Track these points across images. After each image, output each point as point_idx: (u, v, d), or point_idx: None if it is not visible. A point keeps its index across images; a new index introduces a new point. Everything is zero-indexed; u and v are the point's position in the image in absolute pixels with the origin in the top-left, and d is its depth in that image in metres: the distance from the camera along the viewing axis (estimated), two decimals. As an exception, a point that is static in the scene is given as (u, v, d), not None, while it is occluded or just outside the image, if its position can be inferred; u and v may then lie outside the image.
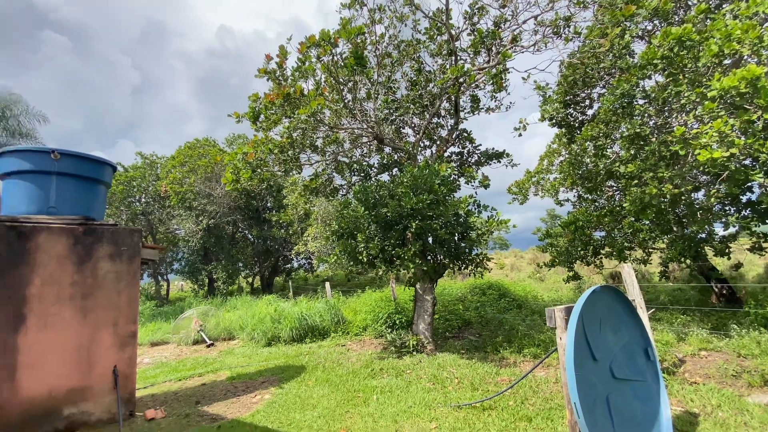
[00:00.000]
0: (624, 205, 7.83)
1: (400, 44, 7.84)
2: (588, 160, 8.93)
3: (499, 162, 9.20)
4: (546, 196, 12.31)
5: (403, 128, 9.19)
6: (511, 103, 9.03)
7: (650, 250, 8.89)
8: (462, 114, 8.72)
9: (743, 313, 7.13)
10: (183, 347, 10.71)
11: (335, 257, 7.06)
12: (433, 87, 8.36)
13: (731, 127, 4.85)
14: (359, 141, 8.67)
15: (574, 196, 11.33)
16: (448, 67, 7.78)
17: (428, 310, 7.42)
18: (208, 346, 10.32)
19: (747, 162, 6.39)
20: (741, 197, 7.95)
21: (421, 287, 7.47)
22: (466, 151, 9.25)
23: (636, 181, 7.05)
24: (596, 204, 10.23)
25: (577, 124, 10.26)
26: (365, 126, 7.76)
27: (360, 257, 6.92)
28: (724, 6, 6.69)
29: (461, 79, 7.30)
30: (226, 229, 20.20)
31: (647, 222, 7.97)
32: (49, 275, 4.76)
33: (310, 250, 16.50)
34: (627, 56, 7.50)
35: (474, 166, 9.01)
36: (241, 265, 20.80)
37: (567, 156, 10.18)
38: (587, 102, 9.88)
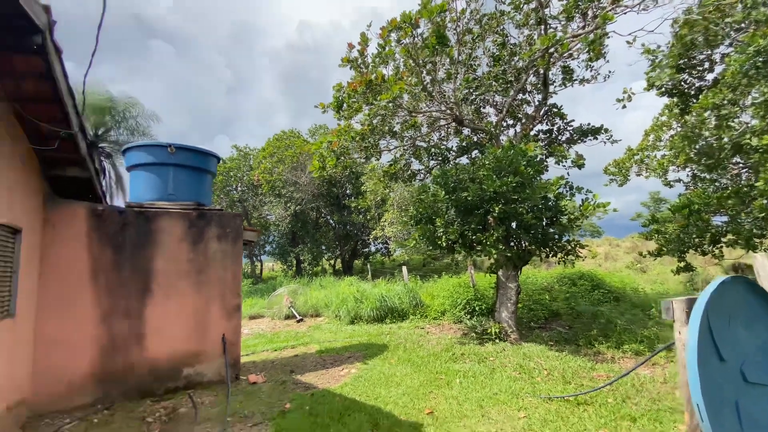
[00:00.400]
0: (756, 184, 6.60)
1: (481, 18, 7.43)
2: (707, 132, 7.66)
3: (596, 139, 8.33)
4: (652, 176, 10.89)
5: (484, 108, 8.78)
6: (609, 72, 8.07)
7: (791, 237, 7.41)
8: (551, 88, 8.04)
9: None
10: (276, 321, 11.79)
11: (414, 242, 7.10)
12: (518, 61, 7.81)
13: None
14: (437, 124, 8.50)
15: (688, 175, 9.84)
16: (536, 37, 7.19)
17: (511, 298, 7.13)
18: (298, 321, 11.21)
19: None
20: None
21: (503, 274, 7.19)
22: (555, 129, 8.54)
23: (773, 155, 5.87)
24: (717, 184, 8.79)
25: (693, 92, 8.82)
26: (444, 108, 7.56)
27: (439, 242, 6.87)
28: None
29: (552, 49, 6.69)
30: (310, 214, 21.54)
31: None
32: (170, 253, 5.53)
33: (386, 234, 16.86)
34: (762, 5, 6.18)
35: (565, 145, 8.29)
36: (324, 248, 22.09)
37: (679, 129, 8.86)
38: (707, 65, 8.42)
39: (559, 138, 8.46)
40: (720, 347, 2.63)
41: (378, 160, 8.26)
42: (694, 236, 7.81)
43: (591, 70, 7.92)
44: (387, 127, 7.79)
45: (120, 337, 5.10)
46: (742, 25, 6.50)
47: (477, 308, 8.58)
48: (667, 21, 7.23)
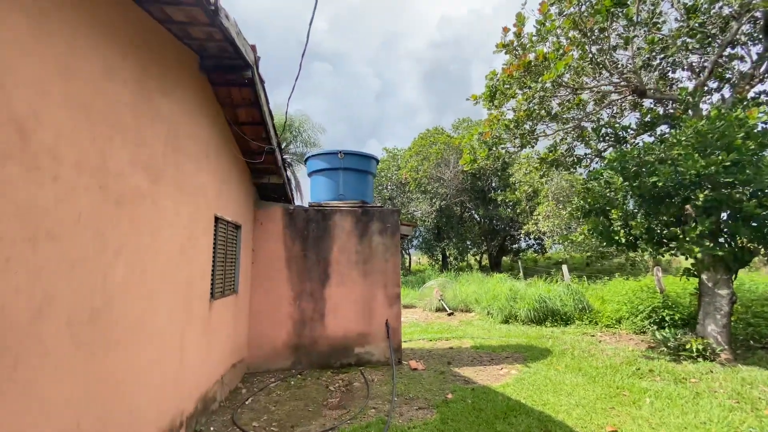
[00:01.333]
0: None
1: (670, -38, 6.03)
2: None
3: None
4: None
5: (673, 72, 7.11)
6: None
7: None
8: (782, 34, 5.99)
9: None
10: (427, 312, 12.20)
11: (582, 236, 6.30)
12: (723, 6, 6.10)
13: None
14: (607, 99, 7.30)
15: None
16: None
17: (722, 308, 5.63)
18: (449, 315, 11.35)
19: None
20: None
21: (710, 278, 5.73)
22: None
23: None
24: None
25: None
26: (617, 79, 6.44)
27: (616, 237, 5.92)
28: None
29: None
30: (454, 209, 21.55)
31: None
32: (342, 245, 6.28)
33: (541, 229, 15.52)
34: None
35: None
36: (469, 243, 21.81)
37: None
38: None
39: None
40: None
41: (533, 147, 7.61)
42: None
43: None
44: (545, 110, 7.11)
45: (307, 314, 6.07)
46: None
47: (668, 318, 7.09)
48: None
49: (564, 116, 7.32)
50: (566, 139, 7.60)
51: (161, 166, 3.04)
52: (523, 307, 9.22)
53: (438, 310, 12.21)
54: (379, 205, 6.63)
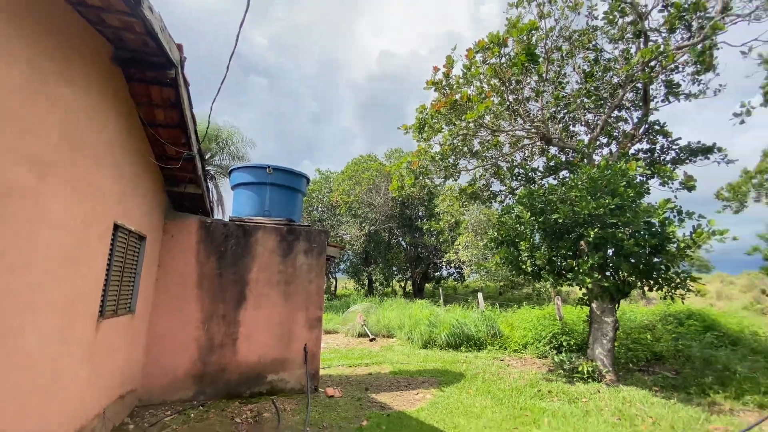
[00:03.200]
0: None
1: (571, 35, 7.11)
2: None
3: (707, 158, 7.33)
4: (780, 201, 9.30)
5: (573, 126, 8.26)
6: (720, 85, 7.14)
7: None
8: (652, 104, 7.32)
9: None
10: (350, 338, 11.98)
11: (495, 264, 6.79)
12: (612, 76, 7.29)
13: None
14: (520, 143, 8.18)
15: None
16: (634, 51, 6.67)
17: (608, 334, 6.40)
18: (371, 340, 11.27)
19: None
20: None
21: (598, 307, 6.51)
22: (658, 147, 7.69)
23: None
24: None
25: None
26: (529, 126, 7.27)
27: (523, 266, 6.48)
28: None
29: (653, 62, 6.13)
30: (383, 235, 21.92)
31: None
32: (263, 264, 5.97)
33: (460, 258, 16.41)
34: None
35: (670, 165, 7.42)
36: (395, 269, 22.20)
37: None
38: None
39: (663, 157, 7.58)
40: None
41: (456, 180, 8.16)
42: None
43: (698, 84, 7.08)
44: (467, 147, 7.71)
45: (217, 339, 5.57)
46: None
47: (565, 343, 7.84)
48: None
49: (484, 155, 8.00)
50: (485, 175, 8.29)
51: (52, 161, 2.65)
52: (442, 333, 9.52)
53: (361, 335, 12.07)
54: (306, 224, 6.48)
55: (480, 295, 12.53)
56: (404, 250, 22.49)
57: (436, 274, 22.89)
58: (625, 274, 6.36)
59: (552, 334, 8.15)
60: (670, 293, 6.48)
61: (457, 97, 6.28)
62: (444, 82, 6.66)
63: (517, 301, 14.93)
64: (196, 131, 4.82)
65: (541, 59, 6.53)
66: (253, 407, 5.25)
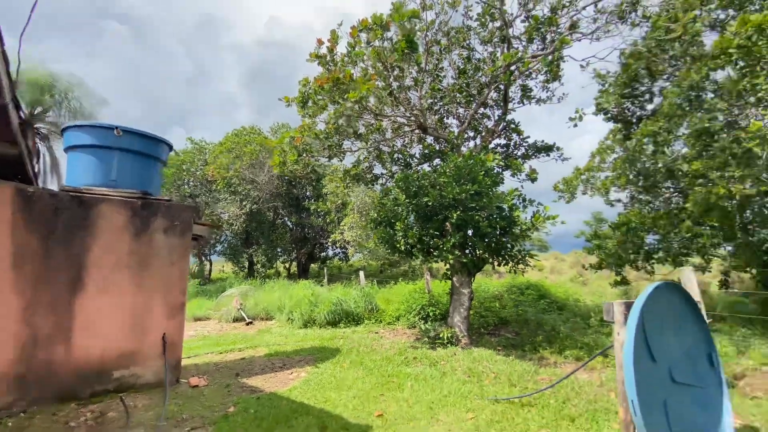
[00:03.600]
0: (685, 206, 7.29)
1: (449, 31, 7.67)
2: (645, 157, 8.37)
3: (548, 155, 8.83)
4: (596, 195, 11.68)
5: (447, 118, 9.02)
6: (564, 94, 8.62)
7: (710, 257, 8.24)
8: (511, 105, 8.43)
9: (819, 331, 6.46)
10: (224, 324, 11.23)
11: (373, 244, 7.09)
12: (481, 76, 8.12)
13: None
14: (401, 130, 8.61)
15: (627, 196, 10.68)
16: (499, 54, 7.53)
17: (464, 303, 7.30)
18: (248, 324, 10.75)
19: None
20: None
21: (458, 280, 7.35)
22: (512, 143, 8.95)
23: (701, 181, 6.52)
24: (651, 205, 9.60)
25: (634, 120, 9.65)
26: (409, 114, 7.68)
27: (398, 245, 6.91)
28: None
29: (513, 67, 7.04)
30: (267, 215, 20.89)
31: (709, 227, 7.39)
32: (109, 244, 5.08)
33: (346, 239, 16.72)
34: (698, 45, 6.91)
35: (521, 159, 8.70)
36: (279, 250, 21.47)
37: (622, 153, 9.62)
38: (647, 96, 9.24)
39: (515, 152, 8.87)
40: (652, 349, 2.83)
41: (341, 161, 8.20)
42: (630, 252, 8.46)
43: (547, 91, 8.41)
44: (352, 129, 7.77)
45: (44, 332, 4.59)
46: (679, 62, 7.21)
47: (431, 314, 8.69)
48: (616, 51, 7.86)
49: (368, 137, 8.18)
50: (368, 158, 8.52)
51: None
52: (322, 311, 9.62)
53: (237, 320, 11.42)
54: (167, 198, 5.72)
55: (362, 274, 13.00)
56: (290, 231, 21.89)
57: (322, 254, 22.92)
58: (480, 252, 7.31)
59: (421, 306, 8.94)
60: (514, 268, 7.70)
61: (341, 75, 6.23)
62: (328, 57, 6.52)
63: (395, 278, 15.96)
64: (9, 74, 3.76)
65: (421, 49, 6.90)
66: (94, 408, 4.53)
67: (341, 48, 6.47)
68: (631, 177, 8.66)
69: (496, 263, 7.65)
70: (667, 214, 8.00)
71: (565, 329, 7.66)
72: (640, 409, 2.42)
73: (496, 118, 8.60)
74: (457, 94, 8.15)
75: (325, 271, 17.44)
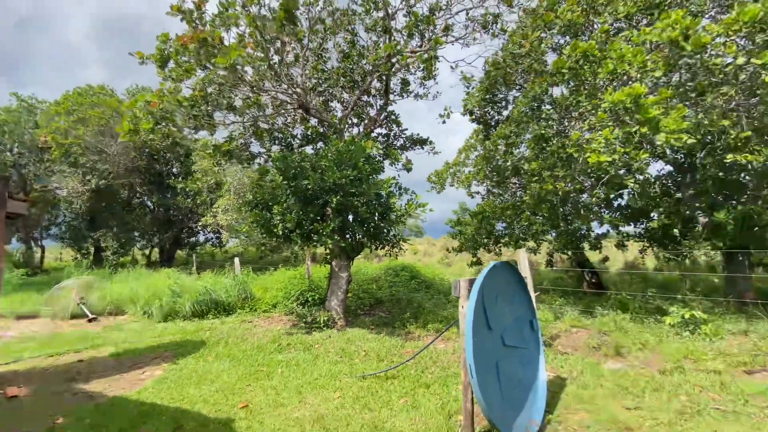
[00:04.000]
0: (524, 199, 8.67)
1: (334, 12, 7.53)
2: (498, 156, 9.68)
3: (423, 148, 9.50)
4: (460, 187, 13.09)
5: (332, 101, 8.93)
6: (438, 92, 9.34)
7: (540, 241, 10.04)
8: (392, 96, 8.77)
9: (606, 297, 8.47)
10: (59, 321, 9.27)
11: (246, 227, 6.65)
12: (366, 63, 8.23)
13: (616, 137, 5.62)
14: (283, 108, 8.20)
15: (485, 189, 12.25)
16: (382, 44, 7.72)
17: (342, 287, 7.44)
18: (90, 321, 9.08)
19: (622, 172, 7.44)
20: (614, 202, 9.36)
21: (337, 264, 7.44)
22: (392, 134, 9.36)
23: (536, 178, 7.83)
24: (501, 198, 11.20)
25: (493, 123, 11.04)
26: (291, 92, 7.34)
27: (275, 230, 6.62)
28: (622, 32, 7.64)
29: (394, 59, 7.30)
30: (120, 192, 17.78)
31: (541, 217, 8.96)
32: None
33: (219, 222, 15.36)
34: (541, 63, 8.21)
35: (399, 150, 9.17)
36: (137, 234, 18.58)
37: (482, 151, 10.93)
38: (504, 103, 10.67)
39: (395, 143, 9.32)
40: (489, 318, 3.30)
41: (212, 134, 7.39)
42: (484, 237, 9.75)
43: (424, 88, 9.00)
44: (225, 100, 7.06)
45: None
46: (528, 75, 8.46)
47: (310, 299, 8.63)
48: (482, 58, 8.80)
49: (244, 111, 7.56)
50: (244, 134, 7.89)
51: None
52: (187, 302, 8.70)
53: (75, 316, 9.53)
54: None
55: (236, 260, 12.15)
56: (150, 212, 19.09)
57: (191, 239, 20.65)
58: (360, 236, 7.53)
59: (300, 292, 8.82)
60: (389, 251, 8.14)
61: (210, 37, 5.55)
62: (195, 14, 5.72)
63: (276, 264, 15.39)
64: None
65: (305, 25, 6.62)
66: None
67: (213, 7, 5.79)
68: (487, 173, 9.93)
69: (374, 247, 7.98)
70: (512, 205, 9.43)
71: (429, 305, 8.46)
72: (477, 371, 2.81)
73: (378, 107, 8.86)
74: (342, 78, 8.11)
75: (194, 258, 15.80)
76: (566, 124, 7.71)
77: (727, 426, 3.28)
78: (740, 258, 7.33)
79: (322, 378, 4.73)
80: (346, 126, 8.27)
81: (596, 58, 6.24)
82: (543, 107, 7.86)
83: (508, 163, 9.23)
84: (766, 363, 4.60)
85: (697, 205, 7.33)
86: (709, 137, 6.56)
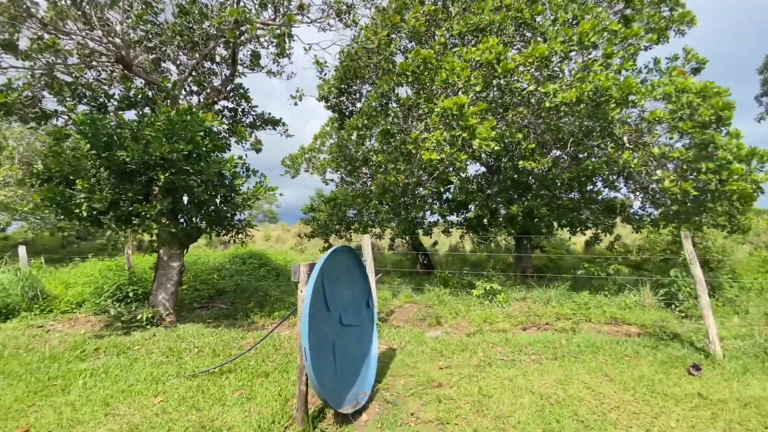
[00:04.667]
0: (372, 188, 9.25)
1: (170, -45, 6.38)
2: (351, 146, 10.04)
3: (275, 129, 9.05)
4: (315, 173, 13.09)
5: (165, 61, 7.61)
6: (293, 72, 9.00)
7: (385, 228, 10.92)
8: (241, 68, 8.03)
9: (434, 276, 9.81)
10: None
11: (29, 206, 5.16)
12: (209, 25, 7.29)
13: (444, 138, 6.48)
14: (95, 59, 6.57)
15: (339, 177, 12.56)
16: (228, 7, 6.94)
17: (173, 278, 6.55)
18: None
19: (450, 170, 8.64)
20: (443, 195, 10.86)
21: (166, 252, 6.49)
22: (240, 110, 8.60)
23: (382, 170, 8.43)
24: (353, 186, 11.69)
25: (347, 113, 11.35)
26: (106, 42, 5.93)
27: (77, 211, 5.32)
28: (456, 47, 8.77)
29: (243, 28, 6.67)
30: None
31: (386, 205, 9.72)
32: None
33: (-6, 199, 11.55)
34: (391, 62, 8.79)
35: (248, 128, 8.50)
36: None
37: (336, 140, 11.15)
38: (357, 95, 11.06)
39: (243, 120, 8.61)
40: (329, 301, 3.40)
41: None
42: (336, 223, 10.02)
43: (278, 65, 8.55)
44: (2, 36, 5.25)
45: None
46: (378, 71, 8.94)
47: (132, 294, 7.31)
48: (337, 46, 8.89)
49: (33, 54, 5.76)
50: (33, 83, 6.02)
51: None
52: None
53: None
54: None
55: (22, 249, 9.39)
56: None
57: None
58: (196, 221, 6.74)
59: (117, 286, 7.39)
60: (234, 237, 7.55)
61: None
62: None
63: (86, 254, 12.53)
64: None
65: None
66: None
67: None
68: (340, 161, 10.19)
69: (215, 233, 7.27)
70: (362, 194, 9.94)
71: (276, 293, 8.25)
72: (312, 353, 2.86)
73: (224, 77, 8.00)
74: (178, 37, 6.99)
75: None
76: (409, 123, 8.48)
77: (507, 371, 4.22)
78: (525, 242, 9.47)
79: (140, 383, 4.09)
80: (182, 92, 7.21)
81: (434, 66, 7.02)
82: (390, 104, 8.45)
83: (359, 154, 9.65)
84: (536, 321, 6.10)
85: (499, 199, 9.12)
86: (510, 146, 8.20)
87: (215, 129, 6.56)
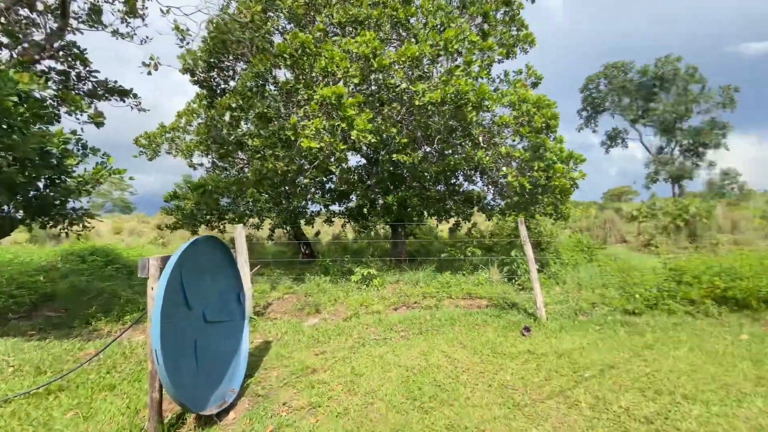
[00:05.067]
0: (248, 176, 8.68)
1: None
2: (223, 128, 9.21)
3: (124, 101, 7.68)
4: (180, 156, 11.61)
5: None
6: (147, 37, 7.75)
7: (264, 217, 10.40)
8: (75, 22, 6.56)
9: (316, 264, 9.78)
10: None
11: None
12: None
13: (324, 127, 6.44)
14: None
15: (209, 161, 11.39)
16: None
17: (-28, 281, 5.07)
18: None
19: (332, 159, 8.65)
20: (325, 184, 10.85)
21: (-41, 249, 4.98)
22: (75, 74, 7.02)
23: (259, 155, 7.97)
24: (227, 172, 10.77)
25: (219, 91, 10.34)
26: None
27: None
28: (336, 36, 8.74)
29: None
30: None
31: (266, 194, 9.25)
32: None
33: None
34: (268, 42, 8.29)
35: (86, 97, 7.01)
36: None
37: (205, 119, 10.06)
38: (231, 72, 10.16)
39: (79, 86, 7.07)
40: (189, 297, 3.08)
41: None
42: (206, 213, 9.13)
43: (128, 26, 7.25)
44: None
45: None
46: (252, 48, 8.34)
47: None
48: (203, 14, 7.97)
49: None
50: None
51: None
52: None
53: None
54: None
55: None
56: None
57: None
58: (11, 209, 5.35)
59: None
60: (67, 230, 6.23)
61: None
62: None
63: None
64: None
65: None
66: None
67: None
68: (210, 144, 9.27)
69: (38, 225, 5.88)
70: (237, 181, 9.24)
71: (128, 293, 7.14)
72: (166, 355, 2.56)
73: (50, 30, 6.43)
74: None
75: None
76: (289, 108, 8.17)
77: (378, 349, 4.49)
78: (399, 230, 10.14)
79: None
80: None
81: (313, 52, 6.88)
82: (267, 86, 8.00)
83: (232, 137, 8.91)
84: (406, 301, 6.62)
85: (377, 190, 9.54)
86: (387, 140, 8.62)
87: (37, 95, 5.25)
